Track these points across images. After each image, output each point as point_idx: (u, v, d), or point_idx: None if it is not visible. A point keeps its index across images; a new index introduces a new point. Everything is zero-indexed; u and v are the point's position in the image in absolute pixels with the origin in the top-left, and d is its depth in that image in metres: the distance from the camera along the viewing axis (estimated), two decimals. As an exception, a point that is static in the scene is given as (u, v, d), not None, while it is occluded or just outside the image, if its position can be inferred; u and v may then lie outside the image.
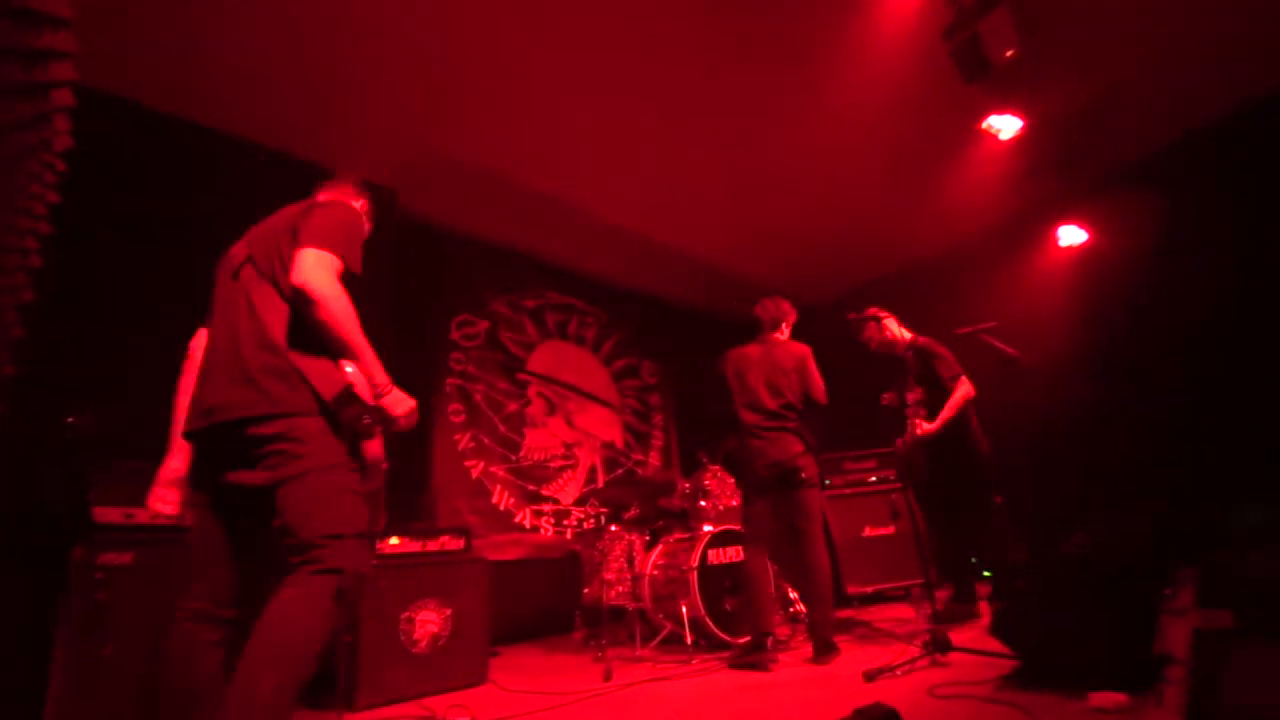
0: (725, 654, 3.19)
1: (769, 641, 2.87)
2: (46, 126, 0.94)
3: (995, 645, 2.27)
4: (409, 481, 4.15)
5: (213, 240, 3.52)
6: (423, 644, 2.93)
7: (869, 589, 4.44)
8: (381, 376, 1.54)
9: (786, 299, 3.44)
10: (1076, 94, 3.91)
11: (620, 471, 4.60)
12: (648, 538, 3.93)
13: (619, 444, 5.45)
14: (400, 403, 1.57)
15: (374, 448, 1.63)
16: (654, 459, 5.72)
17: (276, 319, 1.51)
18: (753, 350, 3.31)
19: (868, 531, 4.68)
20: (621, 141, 4.23)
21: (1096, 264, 4.68)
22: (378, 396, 1.54)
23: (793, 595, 3.87)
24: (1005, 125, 3.72)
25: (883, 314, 3.74)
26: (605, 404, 5.53)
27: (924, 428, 3.32)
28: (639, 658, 3.29)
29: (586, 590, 3.78)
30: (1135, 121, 4.28)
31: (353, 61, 3.46)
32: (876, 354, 3.80)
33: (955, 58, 3.14)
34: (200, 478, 1.61)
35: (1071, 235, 4.70)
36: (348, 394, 1.45)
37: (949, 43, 3.12)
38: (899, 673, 2.44)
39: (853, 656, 2.86)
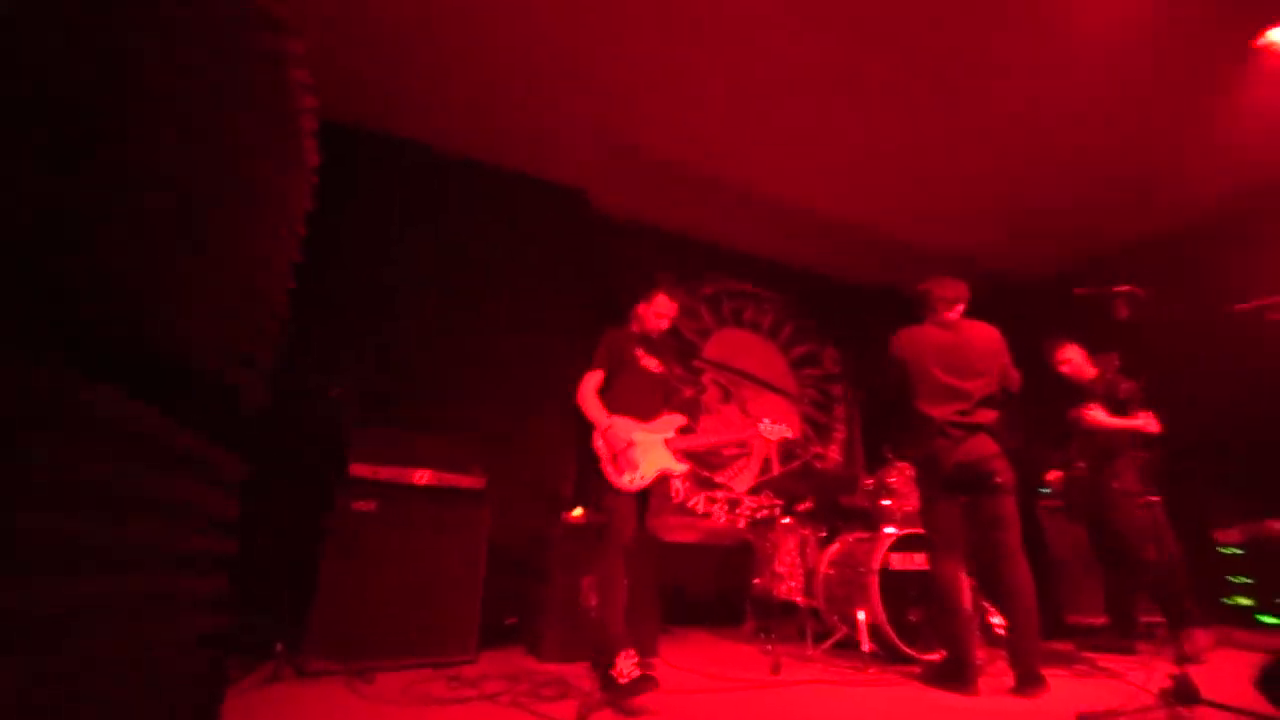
0: (904, 667, 2.95)
1: (969, 672, 2.56)
2: (297, 125, 1.14)
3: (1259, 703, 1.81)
4: (592, 460, 4.43)
5: (425, 248, 4.14)
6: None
7: (1096, 621, 3.77)
8: (601, 427, 2.65)
9: (946, 278, 3.02)
10: None
11: (797, 464, 4.45)
12: (824, 534, 3.76)
13: (795, 434, 5.27)
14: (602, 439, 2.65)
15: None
16: (834, 453, 5.43)
17: None
18: (932, 332, 2.91)
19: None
20: (810, 123, 4.04)
21: None
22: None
23: (993, 618, 3.43)
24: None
25: (1066, 344, 3.64)
26: (781, 393, 5.37)
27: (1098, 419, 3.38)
28: (808, 657, 3.17)
29: (757, 581, 3.74)
30: None
31: (543, 72, 3.74)
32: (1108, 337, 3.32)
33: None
34: None
35: None
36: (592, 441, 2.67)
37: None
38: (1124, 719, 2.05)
39: (1065, 693, 2.46)
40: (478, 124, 4.16)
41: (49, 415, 0.48)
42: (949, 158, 4.31)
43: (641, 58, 3.62)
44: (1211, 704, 2.08)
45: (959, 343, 2.85)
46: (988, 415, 2.75)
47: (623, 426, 2.67)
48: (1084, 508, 3.58)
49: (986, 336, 2.87)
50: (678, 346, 5.08)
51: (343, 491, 2.81)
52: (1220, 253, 4.39)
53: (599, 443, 2.65)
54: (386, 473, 2.94)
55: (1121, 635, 3.38)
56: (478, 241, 4.31)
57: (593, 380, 2.75)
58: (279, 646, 2.47)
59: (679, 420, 2.86)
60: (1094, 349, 3.66)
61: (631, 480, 2.60)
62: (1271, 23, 3.07)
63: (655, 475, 2.67)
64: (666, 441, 2.77)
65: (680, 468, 2.77)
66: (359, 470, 2.89)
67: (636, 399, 2.76)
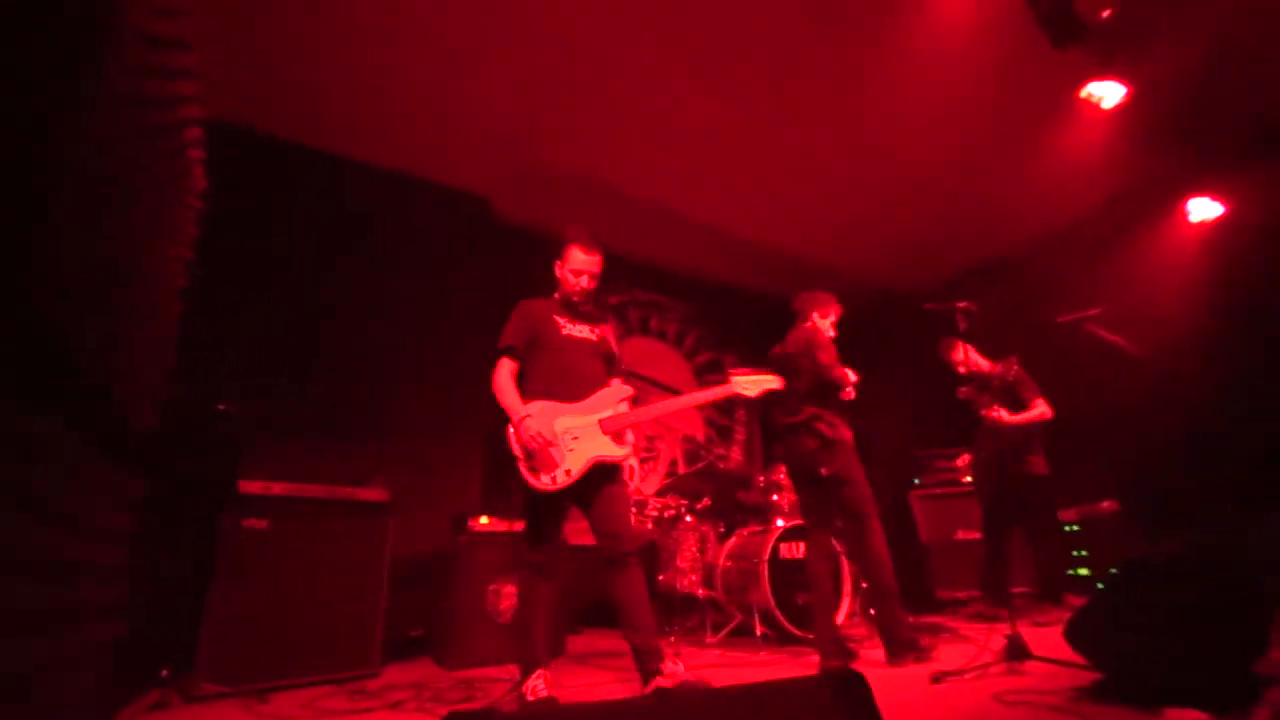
0: (794, 648, 3.21)
1: (831, 647, 2.78)
2: (183, 160, 1.16)
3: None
4: (499, 467, 4.48)
5: (327, 255, 4.03)
6: (506, 615, 3.20)
7: (961, 595, 4.24)
8: (514, 421, 2.30)
9: (828, 294, 3.19)
10: (1191, 51, 3.42)
11: (701, 465, 4.67)
12: (722, 529, 3.99)
13: (700, 438, 5.52)
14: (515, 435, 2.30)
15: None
16: (736, 453, 5.73)
17: None
18: (776, 347, 3.15)
19: (960, 534, 4.47)
20: (704, 140, 4.30)
21: (1231, 242, 4.12)
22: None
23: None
24: (1107, 92, 3.39)
25: (958, 342, 3.80)
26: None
27: (1001, 419, 3.66)
28: (707, 645, 3.38)
29: (661, 577, 3.91)
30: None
31: (448, 83, 3.77)
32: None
33: (1044, 23, 2.92)
34: None
35: (1204, 209, 4.18)
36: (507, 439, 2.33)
37: (1035, 7, 2.91)
38: (968, 677, 2.37)
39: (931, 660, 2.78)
40: (379, 130, 4.12)
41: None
42: (829, 190, 4.77)
43: (546, 78, 3.74)
44: (1037, 657, 2.45)
45: (786, 349, 3.06)
46: (807, 411, 2.87)
47: (543, 415, 2.31)
48: (989, 490, 3.92)
49: (798, 336, 3.01)
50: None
51: (232, 509, 2.71)
52: (1049, 272, 5.03)
53: (512, 439, 2.31)
54: (279, 488, 2.86)
55: (992, 605, 3.78)
56: (380, 250, 4.25)
57: (506, 366, 2.41)
58: (164, 672, 2.37)
59: (622, 392, 2.45)
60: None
61: (553, 479, 2.26)
62: (1091, 77, 3.57)
63: (585, 467, 2.28)
64: (602, 423, 2.35)
65: (620, 451, 2.35)
66: (249, 487, 2.79)
67: (561, 377, 2.40)
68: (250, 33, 3.26)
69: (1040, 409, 3.74)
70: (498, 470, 4.39)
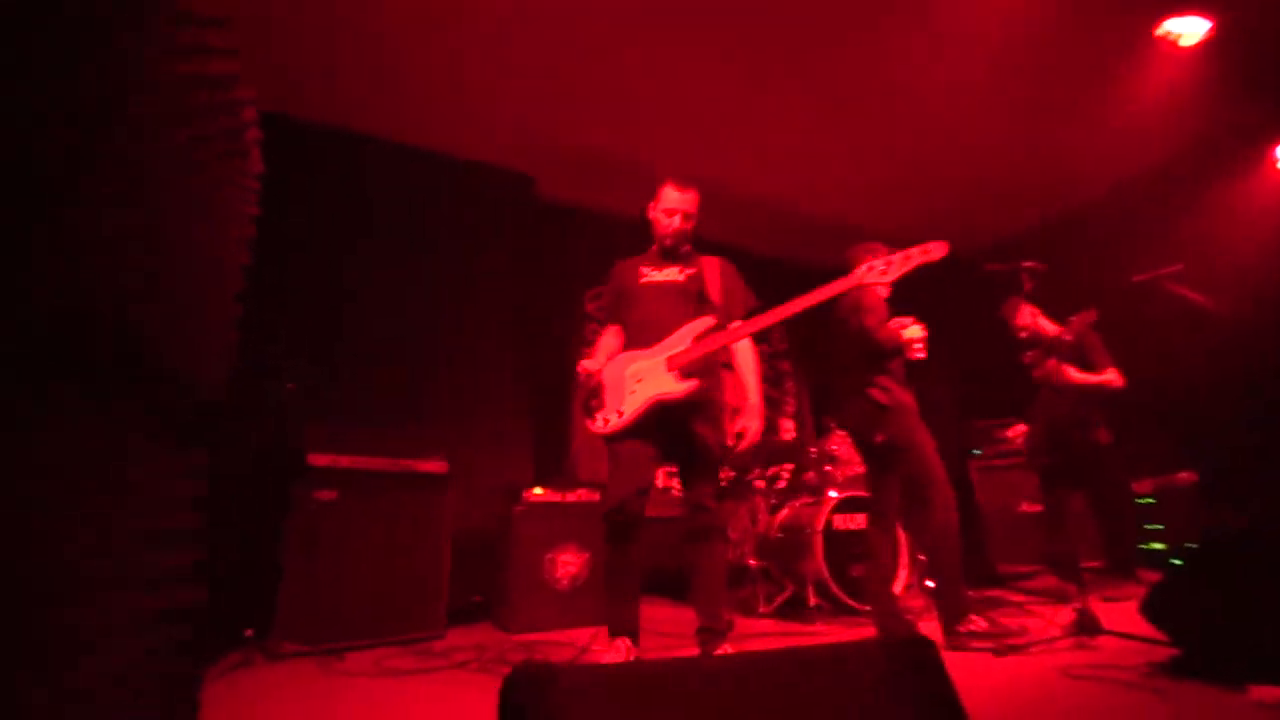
0: (848, 618, 3.18)
1: (891, 621, 2.69)
2: (240, 140, 1.18)
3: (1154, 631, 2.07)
4: (554, 441, 4.58)
5: (378, 238, 4.12)
6: (564, 582, 3.29)
7: (1023, 568, 4.11)
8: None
9: (874, 244, 2.75)
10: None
11: (752, 437, 4.62)
12: (774, 501, 3.97)
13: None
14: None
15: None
16: (786, 425, 5.66)
17: None
18: (836, 311, 2.88)
19: (1024, 507, 4.31)
20: (737, 109, 4.18)
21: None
22: None
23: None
24: (1187, 28, 3.08)
25: (1022, 304, 3.47)
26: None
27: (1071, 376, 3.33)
28: (760, 614, 3.39)
29: (713, 548, 3.93)
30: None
31: (489, 65, 3.76)
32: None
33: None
34: None
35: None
36: None
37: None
38: (1034, 650, 2.31)
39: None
40: (426, 114, 4.16)
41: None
42: (879, 148, 4.55)
43: (581, 54, 3.70)
44: (1109, 632, 2.36)
45: (837, 312, 2.83)
46: (860, 377, 2.72)
47: (614, 366, 2.31)
48: (1048, 458, 3.67)
49: (847, 301, 2.74)
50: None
51: (302, 482, 2.85)
52: (1120, 229, 4.68)
53: None
54: (346, 461, 2.98)
55: (1060, 579, 3.60)
56: (429, 230, 4.33)
57: (608, 330, 2.49)
58: (248, 633, 2.54)
59: (701, 324, 2.28)
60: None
61: (606, 421, 2.25)
62: (1170, 13, 3.26)
63: (643, 406, 2.19)
64: (669, 360, 2.22)
65: (678, 387, 2.18)
66: (318, 460, 2.92)
67: (639, 326, 2.36)
68: (283, 18, 3.30)
69: (1110, 376, 3.50)
70: (549, 444, 4.49)
